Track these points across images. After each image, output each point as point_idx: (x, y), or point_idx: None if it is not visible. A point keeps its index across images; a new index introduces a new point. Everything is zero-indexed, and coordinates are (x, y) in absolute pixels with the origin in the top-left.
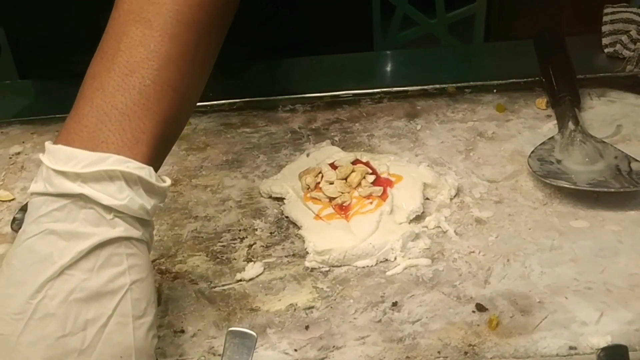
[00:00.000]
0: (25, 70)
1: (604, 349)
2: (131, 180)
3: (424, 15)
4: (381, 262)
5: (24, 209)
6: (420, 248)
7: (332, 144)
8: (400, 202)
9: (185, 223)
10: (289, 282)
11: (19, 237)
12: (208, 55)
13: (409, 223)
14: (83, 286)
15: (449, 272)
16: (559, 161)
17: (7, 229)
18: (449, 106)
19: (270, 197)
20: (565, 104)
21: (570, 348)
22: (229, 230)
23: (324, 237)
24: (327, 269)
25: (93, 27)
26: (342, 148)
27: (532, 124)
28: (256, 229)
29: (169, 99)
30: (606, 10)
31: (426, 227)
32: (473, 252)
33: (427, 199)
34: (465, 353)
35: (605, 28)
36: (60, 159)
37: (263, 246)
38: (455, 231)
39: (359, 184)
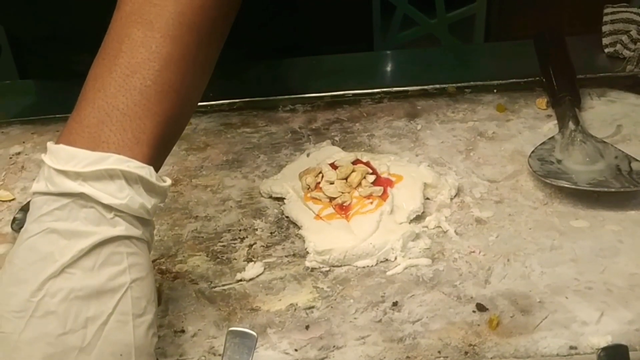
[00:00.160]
0: (26, 70)
1: (604, 349)
2: (131, 179)
3: (424, 15)
4: (381, 262)
5: (24, 209)
6: (421, 248)
7: (333, 144)
8: (401, 202)
9: (185, 223)
10: (290, 282)
11: (20, 236)
12: (209, 57)
13: (410, 223)
14: (84, 284)
15: (449, 272)
16: (559, 161)
17: (8, 229)
18: (449, 106)
19: (270, 197)
20: (566, 104)
21: (571, 348)
22: (229, 230)
23: (324, 237)
24: (328, 268)
25: (93, 27)
26: (343, 148)
27: (532, 124)
28: (256, 229)
29: (169, 100)
30: (606, 10)
31: (426, 227)
32: (473, 252)
33: (428, 198)
34: (466, 353)
35: (605, 28)
36: (62, 159)
37: (263, 246)
38: (455, 231)
39: (359, 184)
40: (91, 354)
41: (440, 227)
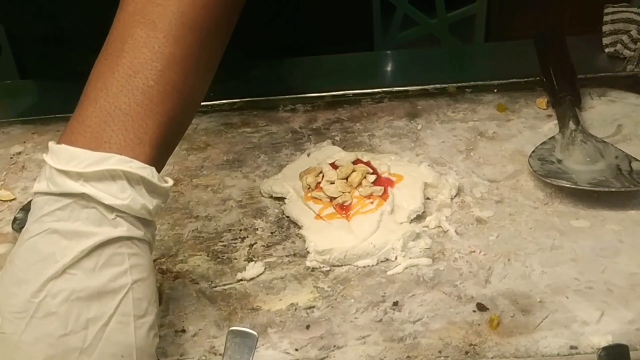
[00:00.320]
0: (26, 70)
1: (604, 349)
2: (133, 180)
3: (424, 15)
4: (382, 261)
5: (24, 208)
6: (421, 248)
7: (333, 143)
8: (401, 201)
9: (186, 223)
10: (290, 281)
11: (21, 236)
12: (212, 57)
13: (410, 223)
14: (85, 285)
15: (449, 271)
16: (559, 161)
17: (8, 229)
18: (450, 106)
19: (271, 196)
20: (566, 104)
21: (571, 347)
22: (230, 229)
23: (325, 236)
24: (328, 268)
25: (93, 27)
26: (343, 148)
27: (532, 124)
28: (257, 229)
29: (172, 100)
30: (607, 10)
31: (427, 226)
32: (474, 251)
33: (428, 198)
34: (466, 352)
35: (605, 28)
36: (63, 159)
37: (264, 246)
38: (456, 231)
39: (360, 184)
40: (92, 355)
41: (440, 226)
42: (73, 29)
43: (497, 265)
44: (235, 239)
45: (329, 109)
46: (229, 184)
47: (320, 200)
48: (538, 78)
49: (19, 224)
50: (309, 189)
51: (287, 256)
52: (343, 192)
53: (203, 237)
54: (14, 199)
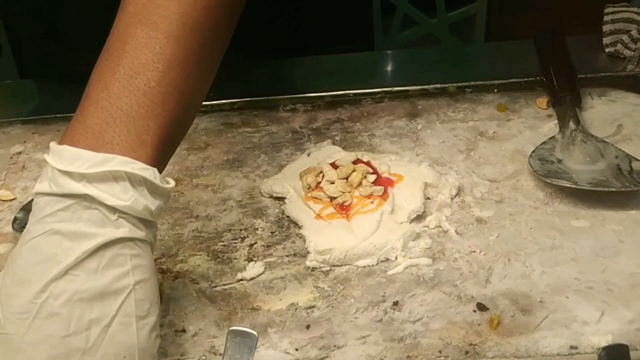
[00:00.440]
0: (26, 70)
1: (604, 349)
2: (135, 181)
3: (425, 15)
4: (382, 261)
5: (24, 208)
6: (421, 247)
7: (333, 143)
8: (401, 201)
9: (186, 222)
10: (290, 281)
11: (23, 237)
12: (213, 58)
13: (410, 222)
14: (87, 286)
15: (449, 271)
16: (559, 161)
17: (8, 229)
18: (450, 106)
19: (271, 196)
20: (566, 104)
21: (571, 347)
22: (230, 229)
23: (325, 236)
24: (328, 268)
25: (94, 27)
26: (343, 148)
27: (532, 124)
28: (257, 229)
29: (173, 101)
30: (607, 10)
31: (427, 226)
32: (474, 251)
33: (428, 198)
34: (466, 352)
35: (606, 27)
36: (65, 159)
37: (264, 246)
38: (456, 231)
39: (360, 184)
40: (94, 356)
41: (440, 226)
42: (73, 29)
43: (497, 265)
44: (236, 238)
45: (329, 109)
46: (229, 183)
47: (321, 200)
48: (538, 78)
49: (19, 224)
50: (309, 188)
51: (287, 256)
52: (343, 192)
53: (203, 236)
54: (14, 199)
